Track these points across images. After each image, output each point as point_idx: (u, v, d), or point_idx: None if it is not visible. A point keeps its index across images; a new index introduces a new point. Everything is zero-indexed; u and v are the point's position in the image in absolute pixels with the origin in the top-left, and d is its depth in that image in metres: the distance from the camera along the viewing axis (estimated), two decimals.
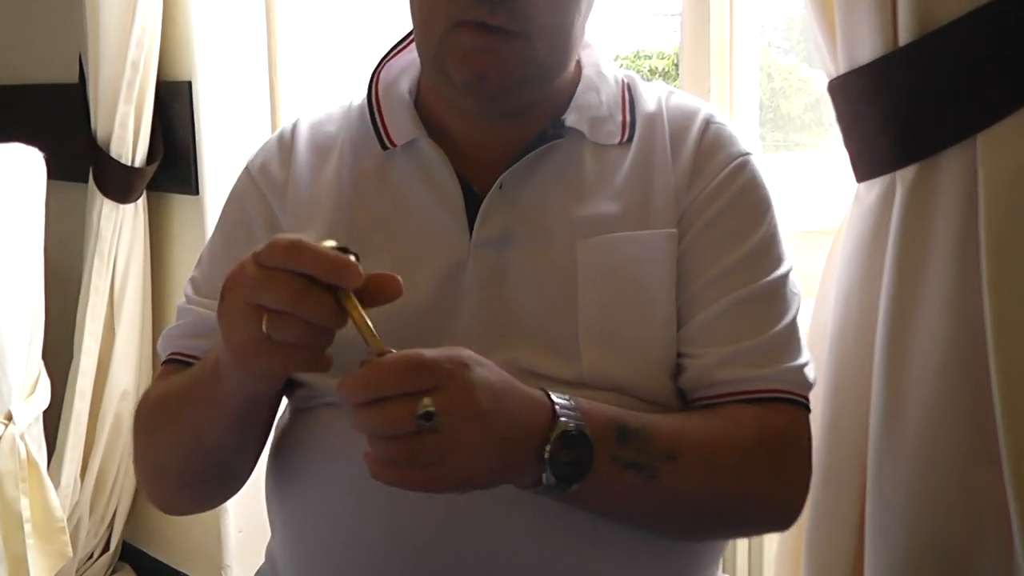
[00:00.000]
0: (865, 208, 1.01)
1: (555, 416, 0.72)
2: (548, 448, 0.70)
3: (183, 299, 0.97)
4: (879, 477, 0.96)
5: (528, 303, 0.87)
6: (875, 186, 0.99)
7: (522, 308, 0.87)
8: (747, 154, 0.93)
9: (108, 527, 2.28)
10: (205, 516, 2.17)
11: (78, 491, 2.16)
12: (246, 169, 0.99)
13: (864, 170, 1.01)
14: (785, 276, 0.90)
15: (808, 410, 0.89)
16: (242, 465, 0.88)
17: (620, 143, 0.92)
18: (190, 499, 0.91)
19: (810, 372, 0.89)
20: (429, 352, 0.66)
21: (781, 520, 0.86)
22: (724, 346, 0.86)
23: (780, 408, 0.86)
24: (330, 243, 0.67)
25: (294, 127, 0.99)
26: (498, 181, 0.89)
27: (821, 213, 1.63)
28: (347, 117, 0.98)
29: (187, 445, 0.83)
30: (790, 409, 0.87)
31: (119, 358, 2.15)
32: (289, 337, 0.65)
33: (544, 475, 0.71)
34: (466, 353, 0.68)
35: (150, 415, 0.90)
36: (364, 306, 0.67)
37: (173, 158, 2.10)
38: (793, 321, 0.89)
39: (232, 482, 0.90)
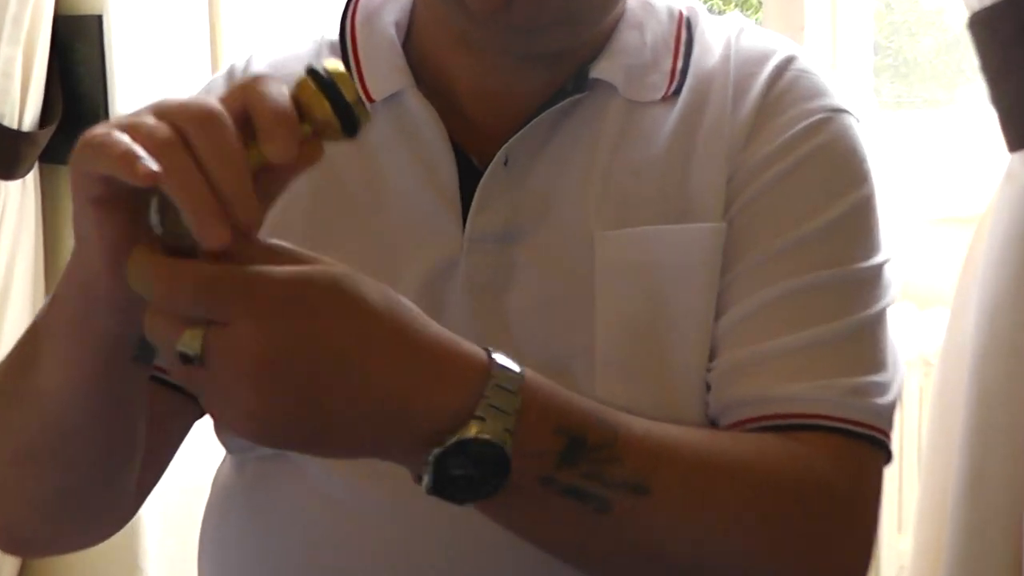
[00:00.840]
0: (1020, 187, 1.01)
1: (470, 409, 0.69)
2: (435, 452, 0.68)
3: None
4: None
5: (534, 318, 0.88)
6: None
7: (526, 324, 0.88)
8: (838, 110, 0.91)
9: None
10: None
11: None
12: None
13: (1019, 136, 1.01)
14: (874, 270, 0.88)
15: (885, 451, 0.86)
16: (94, 452, 0.83)
17: (664, 98, 0.92)
18: (24, 490, 0.86)
19: (888, 395, 0.86)
20: (252, 272, 0.63)
21: None
22: (746, 347, 0.85)
23: (829, 443, 0.83)
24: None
25: (247, 64, 1.00)
26: (501, 153, 0.90)
27: (959, 194, 1.61)
28: (317, 56, 0.98)
29: (19, 385, 0.82)
30: (845, 445, 0.83)
31: None
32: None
33: (424, 478, 0.69)
34: (320, 289, 0.65)
35: None
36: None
37: (75, 119, 2.11)
38: (871, 321, 0.86)
39: (82, 481, 0.86)
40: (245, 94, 0.66)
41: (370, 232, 0.91)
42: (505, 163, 0.90)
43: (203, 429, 0.97)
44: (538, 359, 0.83)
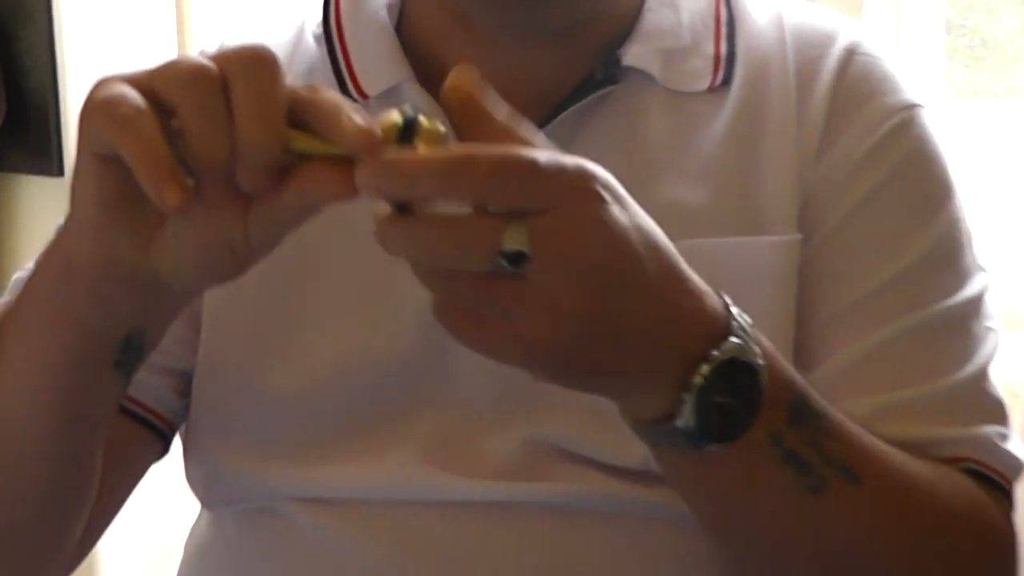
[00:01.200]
0: None
1: (727, 330, 0.72)
2: (703, 372, 0.70)
3: (23, 271, 0.91)
4: None
5: None
6: None
7: None
8: (914, 105, 0.93)
9: None
10: None
11: None
12: None
13: None
14: (975, 301, 0.91)
15: (1012, 506, 0.89)
16: (48, 483, 0.82)
17: (711, 88, 0.92)
18: None
19: (1019, 450, 0.89)
20: (538, 153, 0.64)
21: None
22: (879, 395, 0.87)
23: (986, 490, 0.87)
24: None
25: None
26: None
27: None
28: (298, 47, 0.98)
29: None
30: (994, 494, 0.87)
31: None
32: (200, 140, 0.64)
33: (682, 410, 0.71)
34: (601, 173, 0.67)
35: None
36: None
37: (22, 120, 2.09)
38: (986, 370, 0.90)
39: (30, 518, 0.85)
40: (306, 88, 0.66)
41: (362, 258, 0.88)
42: None
43: (175, 484, 0.97)
44: (571, 397, 0.81)
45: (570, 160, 0.65)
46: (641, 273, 0.67)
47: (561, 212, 0.64)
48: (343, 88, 0.93)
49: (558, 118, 0.89)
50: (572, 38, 0.91)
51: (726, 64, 0.93)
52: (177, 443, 0.96)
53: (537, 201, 0.64)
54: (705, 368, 0.70)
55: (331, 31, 0.96)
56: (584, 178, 0.65)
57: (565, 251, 0.64)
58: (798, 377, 0.77)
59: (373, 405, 0.87)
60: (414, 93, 0.91)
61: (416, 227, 0.64)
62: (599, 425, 0.84)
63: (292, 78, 0.89)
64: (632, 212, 0.68)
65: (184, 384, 0.93)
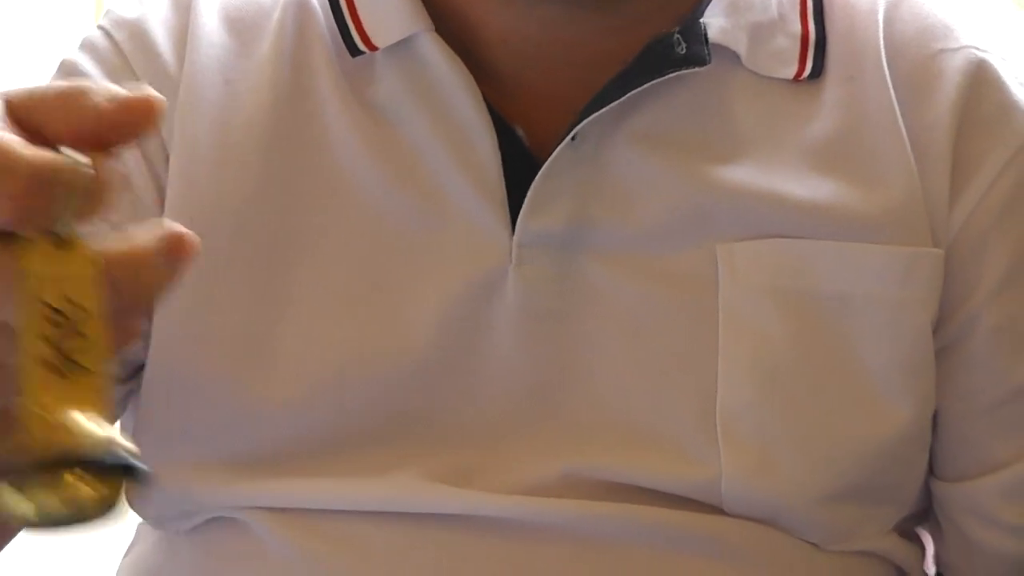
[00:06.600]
0: None
1: None
2: None
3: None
4: None
5: (617, 357, 0.84)
6: None
7: (606, 366, 0.84)
8: None
9: None
10: None
11: None
12: (102, 31, 0.91)
13: None
14: None
15: None
16: None
17: (797, 78, 0.86)
18: None
19: None
20: None
21: None
22: None
23: None
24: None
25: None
26: (570, 127, 0.83)
27: None
28: None
29: None
30: None
31: None
32: None
33: None
34: None
35: None
36: None
37: None
38: None
39: None
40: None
41: (376, 233, 0.85)
42: (572, 139, 0.83)
43: None
44: (625, 418, 0.82)
45: None
46: None
47: None
48: (346, 38, 0.88)
49: (617, 101, 0.83)
50: None
51: (816, 51, 0.87)
52: None
53: None
54: None
55: None
56: None
57: None
58: None
59: (375, 419, 0.83)
60: (433, 48, 0.86)
61: None
62: (649, 449, 0.82)
63: (285, 16, 0.89)
64: None
65: (125, 371, 0.86)
